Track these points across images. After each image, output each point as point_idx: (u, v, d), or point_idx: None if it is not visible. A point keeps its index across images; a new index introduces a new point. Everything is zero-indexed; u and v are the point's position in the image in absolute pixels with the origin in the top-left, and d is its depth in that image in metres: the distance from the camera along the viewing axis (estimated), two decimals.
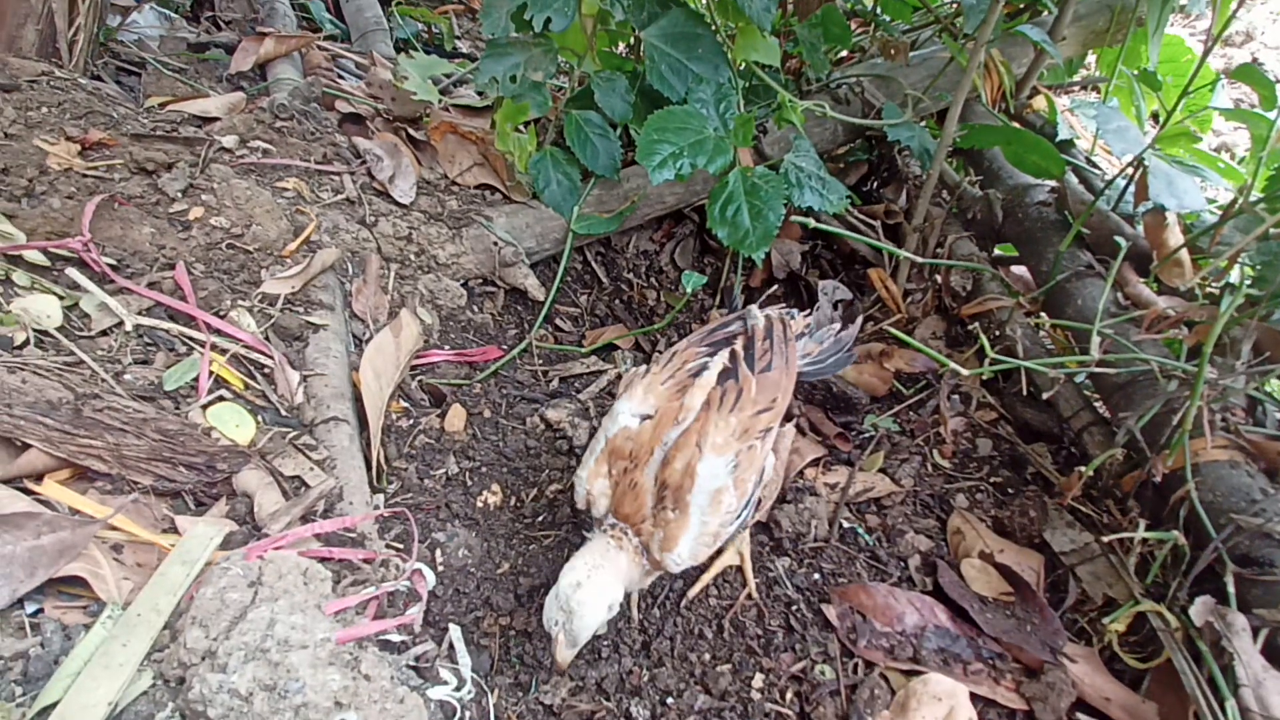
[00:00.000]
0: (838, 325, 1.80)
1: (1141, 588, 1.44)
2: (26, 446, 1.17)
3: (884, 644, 1.42)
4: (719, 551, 1.47)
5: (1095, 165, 2.35)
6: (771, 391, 1.39)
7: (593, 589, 1.22)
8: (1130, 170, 1.83)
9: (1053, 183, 2.04)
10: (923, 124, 2.33)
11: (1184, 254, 1.70)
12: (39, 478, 1.17)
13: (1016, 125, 2.31)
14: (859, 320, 1.85)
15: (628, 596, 1.43)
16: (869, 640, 1.42)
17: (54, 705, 0.87)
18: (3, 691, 0.90)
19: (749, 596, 1.50)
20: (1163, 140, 1.87)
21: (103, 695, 0.88)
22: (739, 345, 1.45)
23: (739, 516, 1.34)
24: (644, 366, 1.50)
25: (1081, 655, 1.38)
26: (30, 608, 0.98)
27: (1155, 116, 2.77)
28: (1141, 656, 1.37)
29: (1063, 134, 2.32)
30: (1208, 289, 1.73)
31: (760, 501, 1.47)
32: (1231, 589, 1.29)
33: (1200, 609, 1.27)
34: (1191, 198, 1.62)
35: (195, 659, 0.91)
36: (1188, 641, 1.31)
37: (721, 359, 1.42)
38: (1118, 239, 1.56)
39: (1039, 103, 2.59)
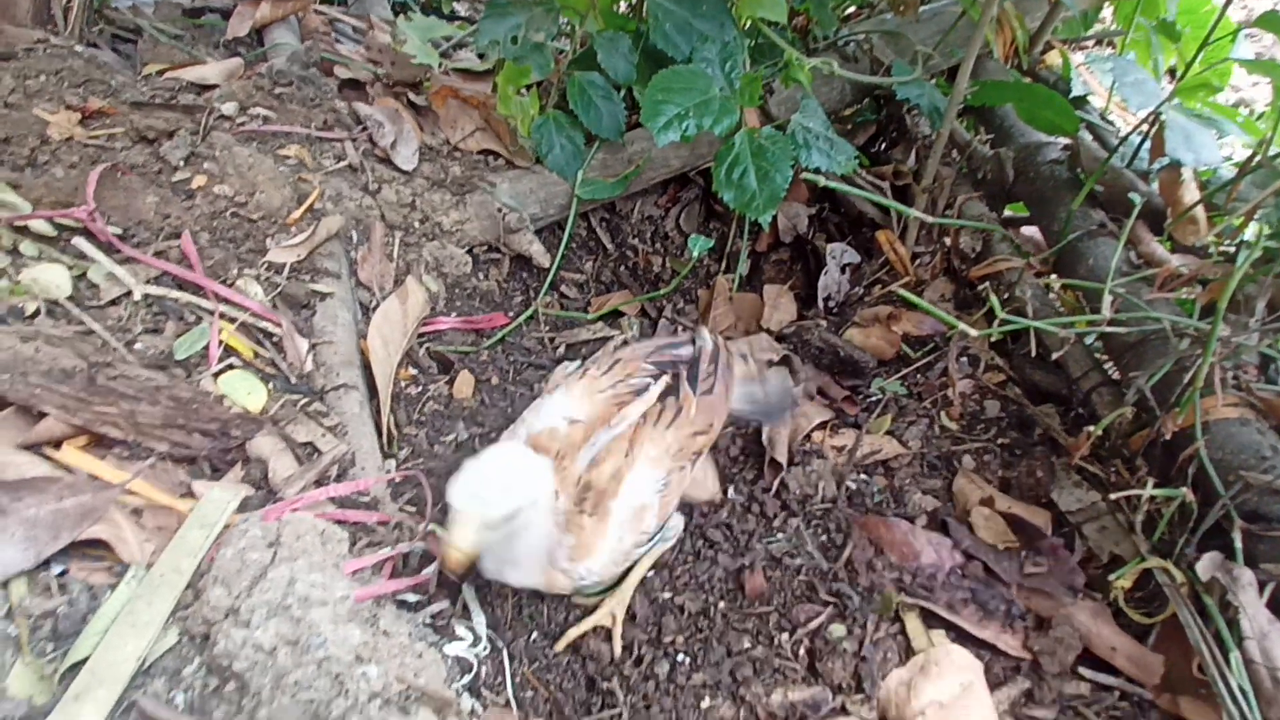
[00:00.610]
0: (783, 370, 1.76)
1: (1148, 545, 1.45)
2: (43, 414, 1.18)
3: (894, 576, 1.44)
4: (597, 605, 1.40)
5: (1110, 122, 2.31)
6: (709, 415, 1.36)
7: (524, 466, 1.16)
8: (1146, 126, 1.80)
9: (1066, 140, 2.01)
10: (933, 81, 2.29)
11: (1199, 211, 1.67)
12: (57, 444, 1.18)
13: (1029, 81, 2.27)
14: (801, 379, 1.81)
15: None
16: (880, 572, 1.45)
17: (85, 660, 0.90)
18: (35, 648, 0.92)
19: (612, 662, 1.35)
20: (1181, 92, 1.83)
21: (131, 651, 0.91)
22: (683, 366, 1.40)
23: (650, 541, 1.31)
24: (576, 364, 1.45)
25: (1089, 607, 1.39)
26: (56, 569, 1.01)
27: (1172, 72, 2.71)
28: (1146, 612, 1.39)
29: (1077, 90, 2.27)
30: (1223, 246, 1.71)
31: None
32: (1239, 544, 1.29)
33: (1207, 564, 1.28)
34: (1209, 152, 1.59)
35: (219, 616, 0.93)
36: (1193, 596, 1.32)
37: (665, 380, 1.36)
38: (1132, 196, 1.54)
39: (1053, 58, 2.54)
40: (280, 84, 2.02)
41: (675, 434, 1.30)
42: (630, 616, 1.42)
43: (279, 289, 1.60)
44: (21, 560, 0.97)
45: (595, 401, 1.31)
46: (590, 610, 1.39)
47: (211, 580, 0.96)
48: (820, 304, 2.26)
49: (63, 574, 1.02)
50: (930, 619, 1.42)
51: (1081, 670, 1.35)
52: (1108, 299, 1.48)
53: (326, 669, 0.91)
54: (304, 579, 0.97)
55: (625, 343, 1.53)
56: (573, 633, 1.35)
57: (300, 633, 0.92)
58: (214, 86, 2.00)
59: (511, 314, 1.99)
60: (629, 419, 1.30)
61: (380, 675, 0.94)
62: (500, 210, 1.99)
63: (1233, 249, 1.65)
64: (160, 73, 2.05)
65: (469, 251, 2.00)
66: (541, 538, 1.18)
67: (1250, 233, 1.74)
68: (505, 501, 1.08)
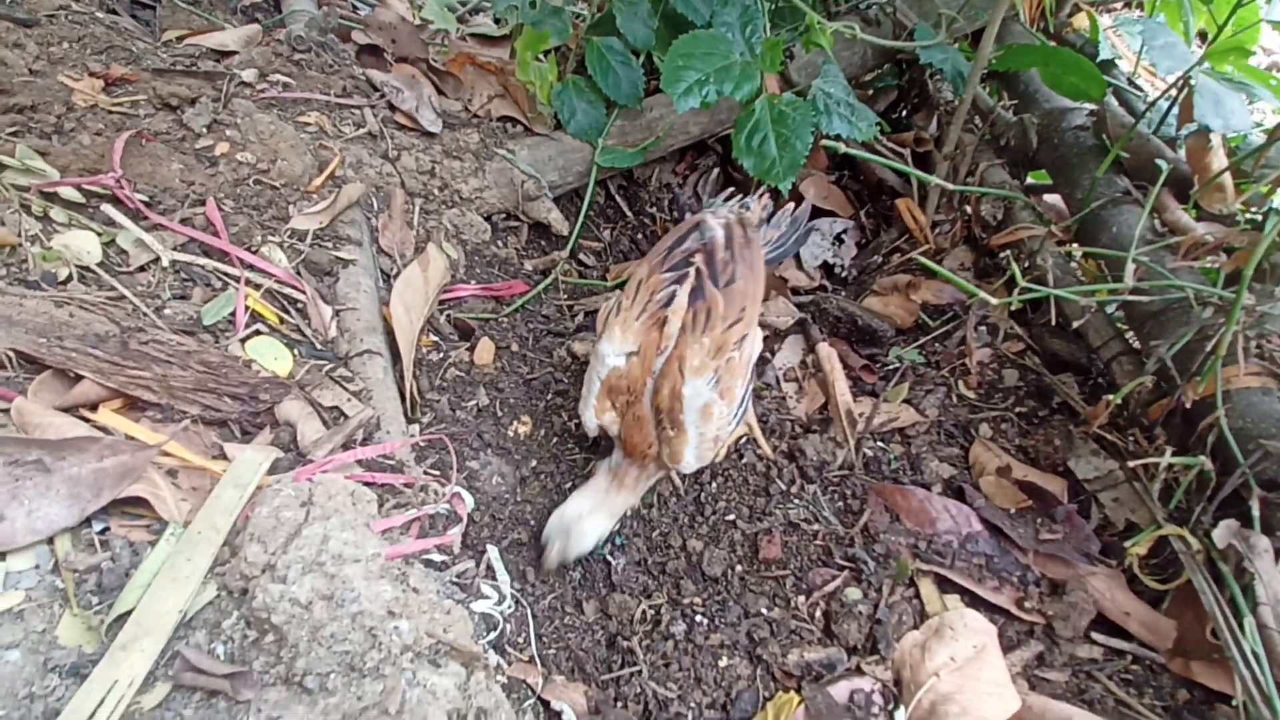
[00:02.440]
0: (790, 205, 1.83)
1: (1164, 513, 1.45)
2: (79, 378, 1.21)
3: (909, 542, 1.46)
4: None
5: (1137, 87, 2.26)
6: (739, 302, 1.44)
7: (591, 523, 1.40)
8: (1174, 91, 1.76)
9: (1091, 106, 1.97)
10: (956, 45, 2.25)
11: (1227, 178, 1.64)
12: (93, 406, 1.22)
13: (1055, 45, 2.22)
14: (808, 201, 1.88)
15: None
16: (896, 538, 1.47)
17: (129, 613, 0.94)
18: (81, 600, 0.96)
19: (761, 458, 1.64)
20: (1212, 55, 1.78)
21: (173, 604, 0.94)
22: (701, 262, 1.48)
23: (735, 417, 1.44)
24: (612, 302, 1.53)
25: (1104, 573, 1.41)
26: (98, 526, 1.04)
27: (1203, 35, 2.64)
28: (1161, 579, 1.40)
29: (1104, 54, 2.22)
30: (1249, 214, 1.68)
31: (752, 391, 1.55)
32: (1256, 513, 1.30)
33: (1223, 531, 1.28)
34: (1239, 118, 1.56)
35: (256, 571, 0.96)
36: (1208, 563, 1.33)
37: (689, 282, 1.45)
38: (1158, 162, 1.51)
39: (1080, 21, 2.48)
40: (299, 50, 2.01)
41: (710, 336, 1.39)
42: (654, 575, 1.45)
43: (302, 256, 1.62)
44: (66, 517, 1.01)
45: (637, 330, 1.43)
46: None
47: (248, 538, 1.00)
48: (814, 270, 2.26)
49: (104, 531, 1.06)
50: (945, 584, 1.44)
51: (1094, 635, 1.37)
52: (1130, 267, 1.47)
53: (360, 623, 0.94)
54: (337, 537, 1.00)
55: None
56: (721, 451, 1.60)
57: (335, 588, 0.95)
58: (233, 53, 2.00)
59: (530, 281, 2.00)
60: (672, 337, 1.41)
61: (411, 630, 0.98)
62: (521, 179, 1.99)
63: (1260, 217, 1.63)
64: (180, 39, 2.05)
65: (488, 219, 2.01)
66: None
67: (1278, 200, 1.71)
68: (580, 550, 1.41)
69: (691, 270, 1.47)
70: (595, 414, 1.44)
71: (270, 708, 0.87)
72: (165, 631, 0.92)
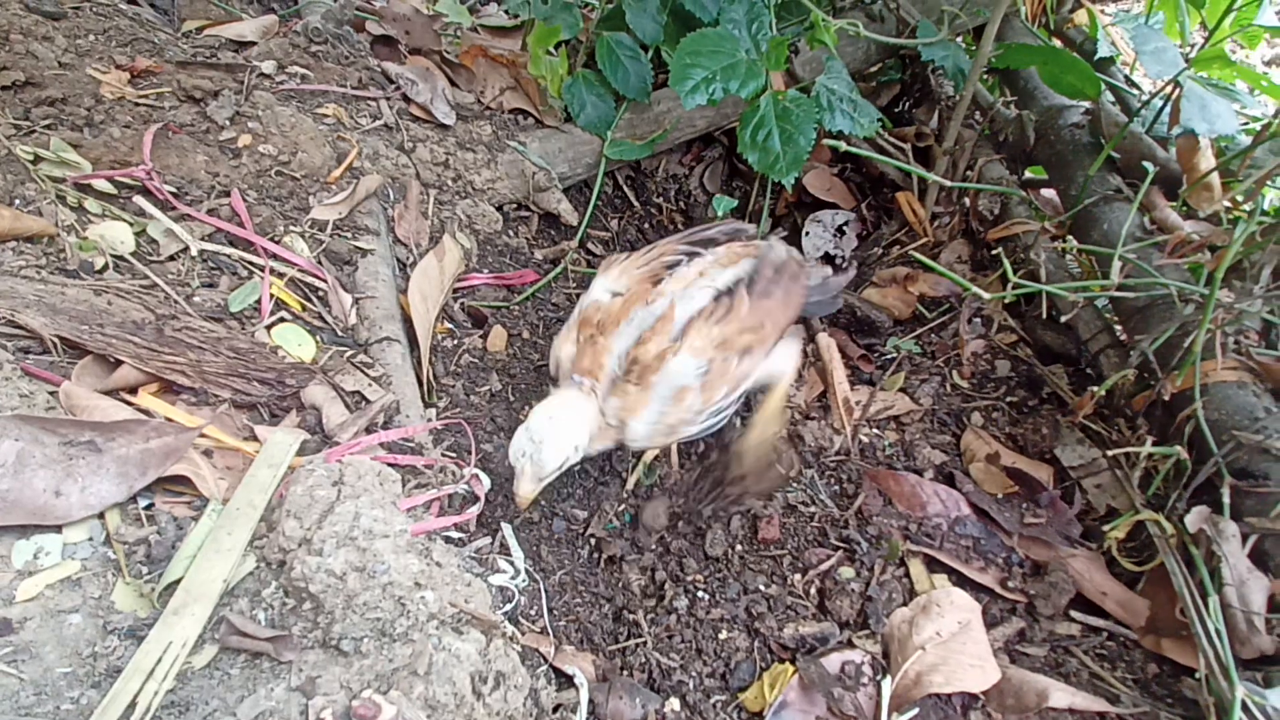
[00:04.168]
0: (828, 270, 1.86)
1: (1143, 499, 1.53)
2: (119, 363, 1.29)
3: (901, 524, 1.54)
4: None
5: (1135, 85, 2.30)
6: (761, 317, 1.48)
7: (563, 424, 1.32)
8: (1168, 91, 1.81)
9: (1087, 104, 2.02)
10: (959, 40, 2.29)
11: (1214, 178, 1.70)
12: (132, 390, 1.29)
13: (1056, 43, 2.26)
14: (851, 271, 1.89)
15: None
16: (888, 520, 1.55)
17: (178, 581, 1.02)
18: (132, 570, 1.04)
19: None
20: (1199, 62, 1.84)
21: (217, 574, 1.02)
22: (747, 269, 1.52)
23: (702, 421, 1.45)
24: (625, 254, 1.59)
25: (1084, 556, 1.49)
26: (143, 502, 1.12)
27: (1206, 25, 2.67)
28: (1137, 561, 1.48)
29: (1103, 50, 2.26)
30: (1235, 213, 1.74)
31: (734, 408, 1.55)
32: (1227, 500, 1.38)
33: (1195, 517, 1.36)
34: (1224, 122, 1.62)
35: (293, 545, 1.04)
36: (1181, 547, 1.41)
37: (700, 264, 1.50)
38: (1145, 164, 1.57)
39: (1080, 17, 2.51)
40: (316, 42, 2.06)
41: (721, 329, 1.43)
42: (658, 554, 1.53)
43: (323, 245, 1.69)
44: (115, 493, 1.09)
45: (632, 277, 1.47)
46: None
47: (285, 514, 1.08)
48: (815, 262, 2.32)
49: (149, 506, 1.14)
50: (933, 564, 1.52)
51: (1073, 613, 1.46)
52: (1117, 264, 1.54)
53: (390, 593, 1.03)
54: (367, 514, 1.08)
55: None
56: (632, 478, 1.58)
57: (366, 560, 1.03)
58: (252, 44, 2.05)
59: (541, 270, 2.07)
60: (664, 295, 1.44)
61: (436, 600, 1.06)
62: (533, 171, 2.05)
63: (1244, 216, 1.69)
64: (199, 29, 2.10)
65: (499, 209, 2.07)
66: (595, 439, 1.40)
67: (1269, 200, 1.77)
68: (553, 460, 1.28)
69: (708, 254, 1.52)
70: (559, 344, 1.46)
71: (310, 668, 0.95)
72: (212, 599, 1.01)
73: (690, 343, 1.40)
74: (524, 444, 1.27)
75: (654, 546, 1.58)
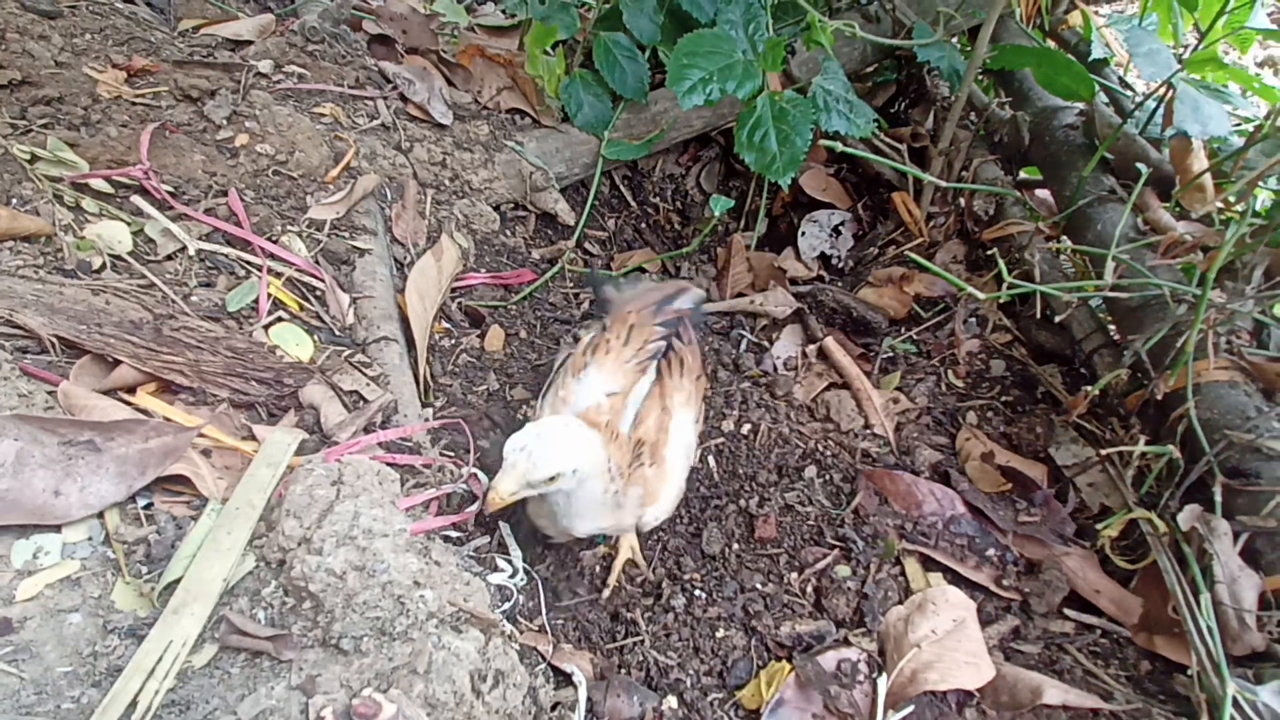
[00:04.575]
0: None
1: (1136, 498, 1.55)
2: (117, 362, 1.29)
3: (897, 523, 1.55)
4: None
5: (1128, 86, 2.32)
6: (698, 358, 1.58)
7: (575, 437, 1.22)
8: (1162, 92, 1.83)
9: (1082, 106, 2.04)
10: (955, 41, 2.30)
11: (1207, 179, 1.72)
12: (130, 390, 1.29)
13: (1051, 44, 2.28)
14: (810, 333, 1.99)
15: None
16: (884, 519, 1.56)
17: (178, 580, 1.02)
18: (131, 569, 1.05)
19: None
20: (1192, 64, 1.85)
21: (217, 573, 1.03)
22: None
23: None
24: (593, 334, 1.55)
25: (1078, 554, 1.50)
26: (143, 501, 1.12)
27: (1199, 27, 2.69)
28: (1130, 559, 1.50)
29: (1097, 52, 2.28)
30: (1227, 214, 1.76)
31: None
32: (1219, 498, 1.39)
33: (1188, 515, 1.38)
34: (1216, 124, 1.63)
35: (293, 544, 1.05)
36: (1174, 545, 1.42)
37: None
38: (1138, 165, 1.59)
39: (1075, 18, 2.53)
40: (312, 41, 2.06)
41: (688, 379, 1.50)
42: (655, 551, 1.54)
43: (321, 245, 1.69)
44: (114, 493, 1.09)
45: (625, 372, 1.46)
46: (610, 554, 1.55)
47: (284, 513, 1.08)
48: (812, 262, 2.33)
49: (148, 506, 1.14)
50: (929, 563, 1.53)
51: (1067, 611, 1.47)
52: (1110, 265, 1.55)
53: (390, 591, 1.03)
54: (366, 513, 1.08)
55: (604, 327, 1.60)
56: (611, 580, 1.50)
57: (366, 560, 1.04)
58: (249, 43, 2.05)
59: (537, 270, 2.07)
60: (649, 377, 1.46)
61: (435, 598, 1.06)
62: (531, 171, 2.05)
63: (1237, 216, 1.70)
64: (196, 28, 2.09)
65: (497, 209, 2.08)
66: (599, 493, 1.29)
67: (1260, 200, 1.79)
68: (550, 465, 1.18)
69: (680, 326, 1.57)
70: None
71: (310, 667, 0.96)
72: (211, 598, 1.01)
73: (677, 400, 1.45)
74: (526, 438, 1.18)
75: (653, 546, 1.58)
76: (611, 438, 1.33)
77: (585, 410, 1.38)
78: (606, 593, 1.48)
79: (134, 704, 0.89)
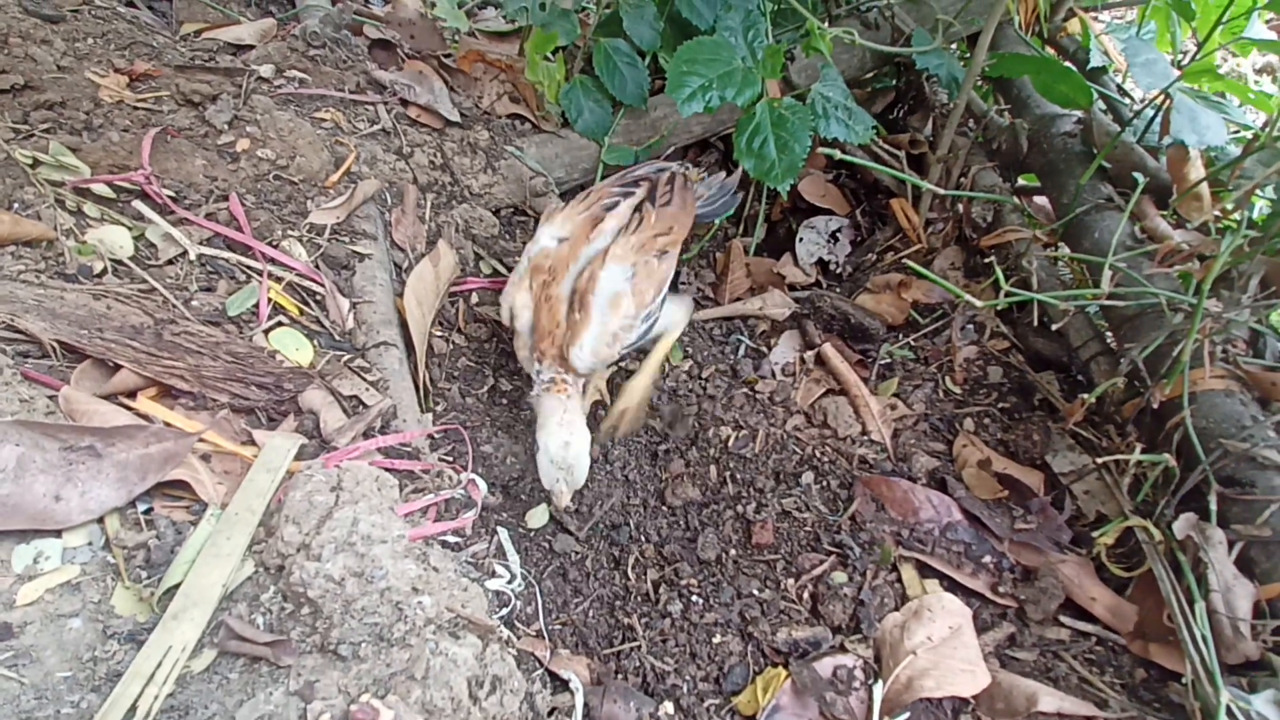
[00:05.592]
0: (723, 174, 2.00)
1: (1132, 505, 1.55)
2: (118, 367, 1.29)
3: (893, 530, 1.56)
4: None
5: (1127, 94, 2.33)
6: (669, 221, 1.65)
7: (579, 442, 1.48)
8: (1159, 101, 1.84)
9: (1079, 113, 2.05)
10: (954, 48, 2.31)
11: (1203, 188, 1.73)
12: (131, 394, 1.30)
13: (1050, 51, 2.28)
14: (739, 169, 2.02)
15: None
16: (880, 526, 1.57)
17: (178, 586, 1.03)
18: (131, 574, 1.05)
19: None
20: (1188, 75, 1.86)
21: (216, 579, 1.03)
22: (643, 191, 1.70)
23: (640, 327, 1.58)
24: (558, 201, 1.70)
25: (1074, 561, 1.51)
26: (142, 506, 1.13)
27: (1197, 36, 2.70)
28: (1126, 567, 1.50)
29: (1096, 60, 2.29)
30: (1224, 223, 1.77)
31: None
32: (1214, 507, 1.40)
33: (1183, 524, 1.38)
34: (1213, 134, 1.64)
35: (292, 550, 1.05)
36: (1169, 554, 1.43)
37: (634, 198, 1.67)
38: (1136, 174, 1.59)
39: (1073, 25, 2.54)
40: (314, 46, 2.07)
41: (638, 236, 1.59)
42: (656, 560, 1.54)
43: (321, 250, 1.70)
44: (115, 498, 1.10)
45: (575, 222, 1.62)
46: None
47: (284, 519, 1.08)
48: (810, 267, 2.34)
49: (148, 511, 1.15)
50: (925, 569, 1.54)
51: (1062, 618, 1.48)
52: (1108, 273, 1.56)
53: (388, 598, 1.04)
54: (365, 520, 1.09)
55: None
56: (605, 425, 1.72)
57: (364, 566, 1.04)
58: (250, 47, 2.06)
59: None
60: (605, 233, 1.60)
61: (433, 604, 1.07)
62: (531, 176, 2.06)
63: (1233, 225, 1.71)
64: (197, 33, 2.10)
65: (496, 213, 2.08)
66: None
67: (1257, 209, 1.80)
68: (584, 471, 1.49)
69: (638, 190, 1.68)
70: (512, 292, 1.58)
71: (308, 672, 0.96)
72: (211, 603, 1.02)
73: (613, 253, 1.55)
74: (555, 472, 1.46)
75: (651, 552, 1.59)
76: (544, 300, 1.53)
77: (536, 255, 1.59)
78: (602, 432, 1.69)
79: (134, 709, 0.89)
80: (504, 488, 1.60)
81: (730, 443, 1.78)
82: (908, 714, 1.28)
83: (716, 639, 1.44)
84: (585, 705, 1.24)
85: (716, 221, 2.13)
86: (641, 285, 1.56)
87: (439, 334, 1.82)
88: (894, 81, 2.67)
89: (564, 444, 1.45)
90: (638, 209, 1.65)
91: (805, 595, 1.51)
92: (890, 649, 1.39)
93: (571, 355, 1.51)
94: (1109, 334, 1.88)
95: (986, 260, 2.20)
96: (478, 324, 1.89)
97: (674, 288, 1.71)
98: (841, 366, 1.93)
